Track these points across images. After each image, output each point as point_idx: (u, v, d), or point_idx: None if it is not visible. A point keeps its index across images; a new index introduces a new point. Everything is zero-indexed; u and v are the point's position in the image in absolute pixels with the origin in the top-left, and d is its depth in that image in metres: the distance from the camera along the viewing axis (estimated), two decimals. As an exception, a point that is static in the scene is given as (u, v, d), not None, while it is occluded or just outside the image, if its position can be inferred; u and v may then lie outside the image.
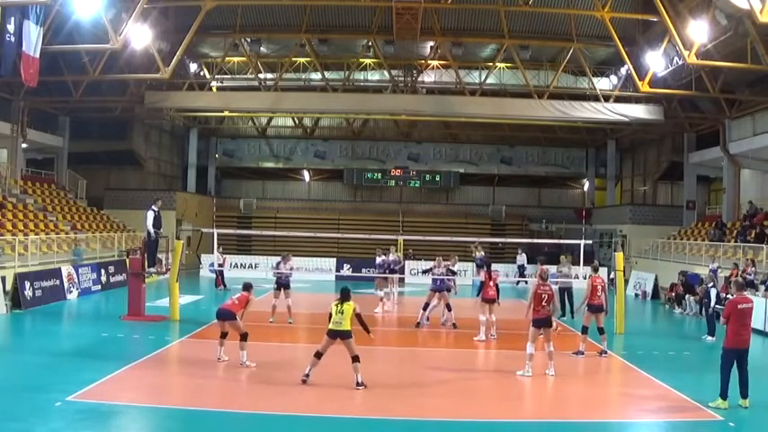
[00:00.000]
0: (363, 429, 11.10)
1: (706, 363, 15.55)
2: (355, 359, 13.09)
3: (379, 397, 12.72)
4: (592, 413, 12.45)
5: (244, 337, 14.71)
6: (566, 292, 24.31)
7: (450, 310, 20.79)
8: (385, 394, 12.98)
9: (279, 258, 22.16)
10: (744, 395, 12.25)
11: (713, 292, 20.96)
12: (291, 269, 22.11)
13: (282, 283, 21.27)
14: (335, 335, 13.10)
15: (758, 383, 12.74)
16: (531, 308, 14.90)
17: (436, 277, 21.26)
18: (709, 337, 19.95)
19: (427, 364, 15.78)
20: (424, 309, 21.04)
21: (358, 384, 13.04)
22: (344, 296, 13.28)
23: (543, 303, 14.67)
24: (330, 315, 13.26)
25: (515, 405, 12.76)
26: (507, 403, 12.86)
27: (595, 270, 18.40)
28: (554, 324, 15.75)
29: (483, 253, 29.23)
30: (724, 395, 12.09)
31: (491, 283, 19.02)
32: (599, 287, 17.28)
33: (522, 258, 35.48)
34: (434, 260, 21.90)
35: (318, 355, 13.26)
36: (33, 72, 23.38)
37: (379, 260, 25.17)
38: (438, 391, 13.25)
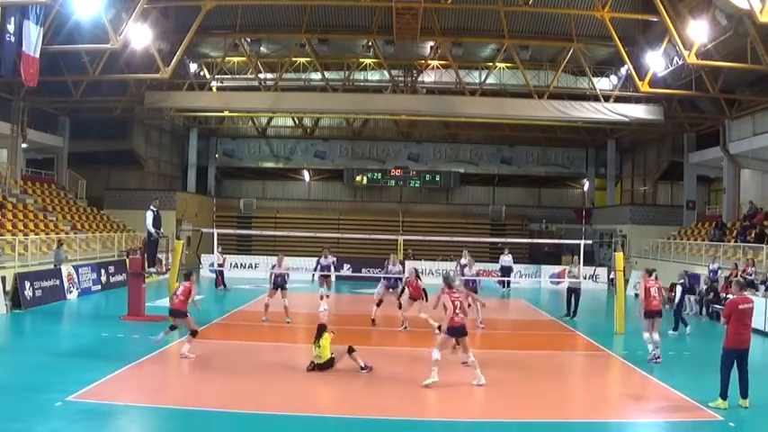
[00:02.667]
0: (363, 429, 11.10)
1: (706, 363, 15.51)
2: (350, 350, 14.33)
3: (380, 397, 12.72)
4: (592, 413, 12.46)
5: (194, 333, 15.73)
6: (573, 293, 24.26)
7: (400, 308, 20.64)
8: (386, 394, 12.99)
9: (275, 261, 22.31)
10: (744, 395, 12.26)
11: (678, 290, 21.49)
12: (288, 269, 22.22)
13: (279, 284, 21.39)
14: (320, 368, 14.26)
15: (758, 383, 12.75)
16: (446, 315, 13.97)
17: (390, 276, 21.78)
18: (672, 332, 20.83)
19: (426, 363, 15.74)
20: (400, 308, 20.86)
21: (362, 368, 14.16)
22: (320, 332, 14.42)
23: (457, 311, 13.67)
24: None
25: (515, 405, 12.74)
26: (507, 403, 12.84)
27: (650, 273, 17.28)
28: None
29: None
30: (724, 395, 12.10)
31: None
32: (652, 289, 16.41)
33: (507, 259, 34.94)
34: (389, 257, 22.28)
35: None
36: (33, 72, 23.37)
37: (324, 261, 24.85)
38: (437, 391, 13.23)
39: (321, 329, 14.44)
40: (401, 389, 13.41)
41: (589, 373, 16.25)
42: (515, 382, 14.48)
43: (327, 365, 14.21)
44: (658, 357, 15.97)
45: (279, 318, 20.67)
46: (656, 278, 17.21)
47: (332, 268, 24.78)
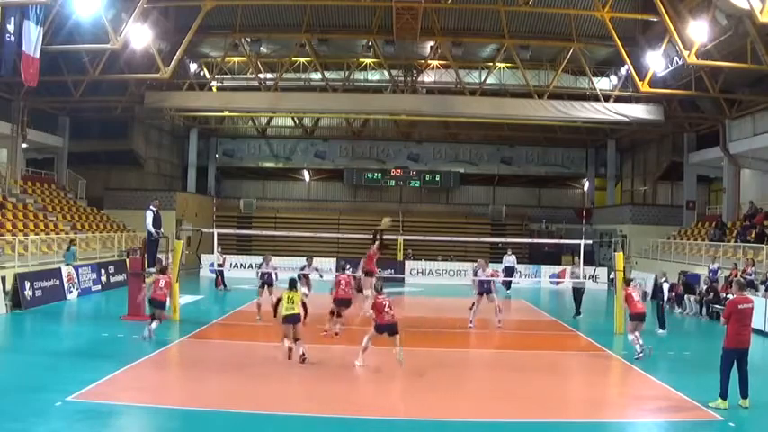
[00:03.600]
0: (365, 429, 11.10)
1: (706, 363, 15.50)
2: (297, 340, 15.08)
3: (382, 397, 12.73)
4: (592, 413, 12.46)
5: (160, 320, 17.69)
6: (577, 292, 24.39)
7: (360, 291, 20.89)
8: (387, 394, 13.01)
9: (281, 260, 22.60)
10: (744, 395, 12.27)
11: (666, 287, 21.80)
12: (275, 269, 22.45)
13: (267, 282, 21.83)
14: (291, 319, 15.02)
15: (758, 383, 12.76)
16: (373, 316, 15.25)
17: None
18: (660, 330, 20.95)
19: (423, 363, 15.73)
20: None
21: (302, 355, 14.89)
22: (293, 285, 15.49)
23: (386, 309, 14.86)
24: (278, 301, 15.60)
25: (515, 405, 12.74)
26: (507, 403, 12.85)
27: (628, 283, 18.50)
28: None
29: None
30: (724, 395, 12.10)
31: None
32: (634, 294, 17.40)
33: (510, 259, 34.74)
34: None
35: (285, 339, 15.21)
36: (33, 72, 23.36)
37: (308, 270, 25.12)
38: (438, 391, 13.24)
39: (294, 284, 15.61)
40: (403, 389, 13.44)
41: (589, 373, 16.26)
42: (515, 382, 14.51)
43: (297, 319, 15.08)
44: (641, 353, 16.56)
45: (268, 316, 20.60)
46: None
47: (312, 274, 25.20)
